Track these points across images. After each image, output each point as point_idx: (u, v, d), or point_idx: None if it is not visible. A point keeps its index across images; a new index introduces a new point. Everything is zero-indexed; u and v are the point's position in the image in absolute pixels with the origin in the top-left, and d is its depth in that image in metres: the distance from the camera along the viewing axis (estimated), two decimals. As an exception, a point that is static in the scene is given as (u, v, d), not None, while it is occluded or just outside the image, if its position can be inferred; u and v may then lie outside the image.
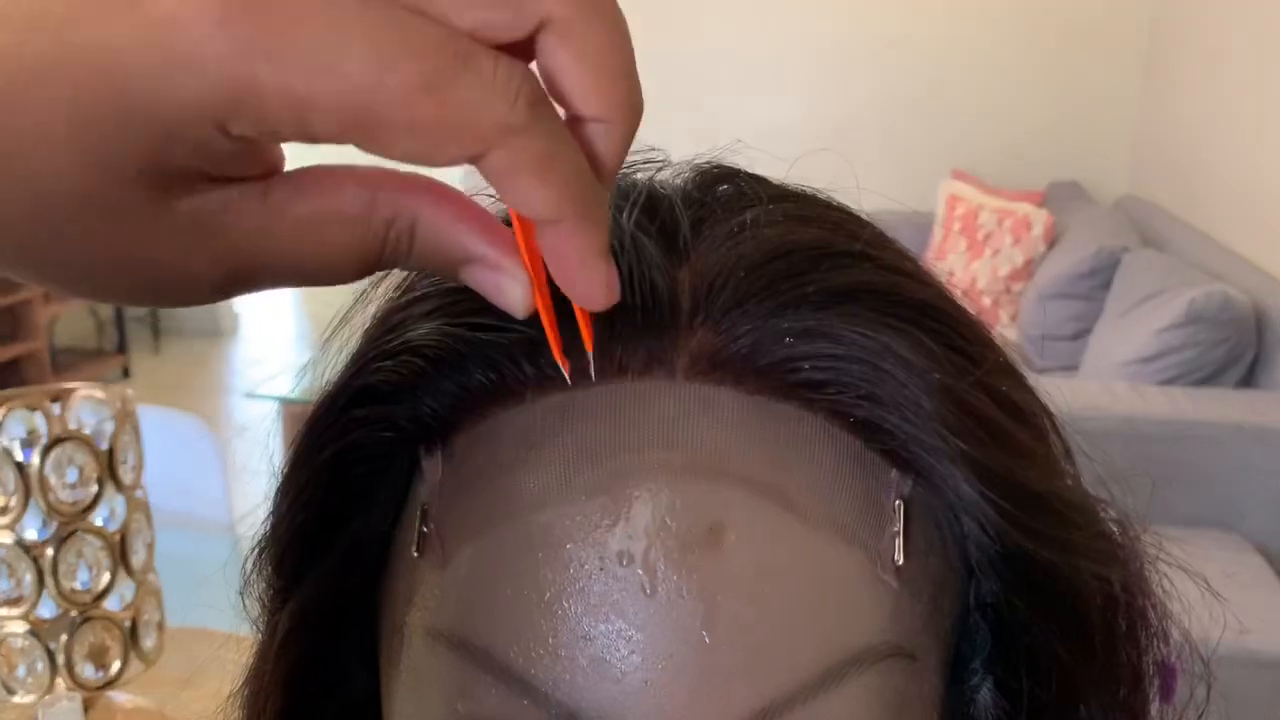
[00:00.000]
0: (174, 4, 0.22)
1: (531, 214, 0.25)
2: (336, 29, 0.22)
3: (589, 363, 0.30)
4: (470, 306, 0.32)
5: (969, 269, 3.57)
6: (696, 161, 0.38)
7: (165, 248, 0.25)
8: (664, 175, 0.37)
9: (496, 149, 0.23)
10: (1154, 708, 0.37)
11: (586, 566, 0.29)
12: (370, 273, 0.27)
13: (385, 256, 0.27)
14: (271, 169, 0.26)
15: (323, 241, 0.26)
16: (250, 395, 3.29)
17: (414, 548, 0.32)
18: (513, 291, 0.27)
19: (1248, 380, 2.45)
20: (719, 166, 0.37)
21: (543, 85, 0.25)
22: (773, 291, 0.31)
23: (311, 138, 0.23)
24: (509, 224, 0.28)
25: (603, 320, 0.31)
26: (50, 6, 0.23)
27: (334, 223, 0.26)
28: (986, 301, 3.51)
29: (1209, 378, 2.41)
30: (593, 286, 0.26)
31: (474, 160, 0.24)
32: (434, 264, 0.27)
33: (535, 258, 0.27)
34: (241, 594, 0.37)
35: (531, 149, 0.24)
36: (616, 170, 0.27)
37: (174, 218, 0.25)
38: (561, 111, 0.26)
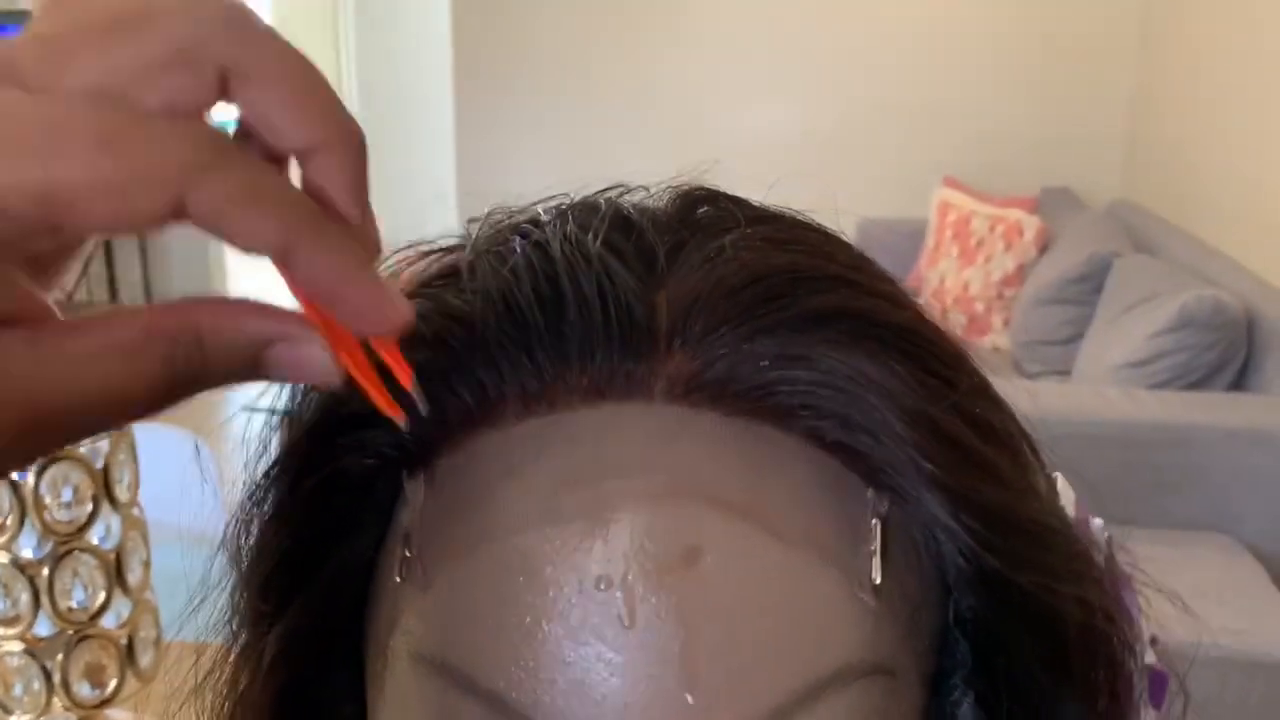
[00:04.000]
0: None
1: (261, 245, 0.25)
2: (9, 122, 0.23)
3: (416, 404, 0.29)
4: (449, 332, 0.32)
5: (961, 275, 3.58)
6: (678, 181, 0.38)
7: None
8: (646, 195, 0.38)
9: (192, 190, 0.24)
10: (1146, 715, 0.38)
11: (566, 590, 0.29)
12: (171, 397, 0.26)
13: (181, 376, 0.26)
14: (38, 316, 0.26)
15: (107, 375, 0.25)
16: (247, 408, 3.29)
17: (397, 572, 0.33)
18: (317, 356, 0.27)
19: (1238, 384, 2.46)
20: (701, 188, 0.38)
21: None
22: (749, 316, 0.31)
23: (16, 224, 0.24)
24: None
25: (581, 344, 0.31)
26: None
27: (111, 356, 0.25)
28: (979, 308, 3.51)
29: (1200, 381, 2.42)
30: (365, 303, 0.26)
31: (177, 212, 0.24)
32: (235, 365, 0.27)
33: (334, 329, 0.27)
34: (230, 623, 0.37)
35: (231, 181, 0.24)
36: (361, 197, 0.26)
37: None
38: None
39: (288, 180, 0.26)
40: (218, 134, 0.25)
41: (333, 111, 0.26)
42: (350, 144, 0.26)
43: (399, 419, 0.29)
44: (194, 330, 0.26)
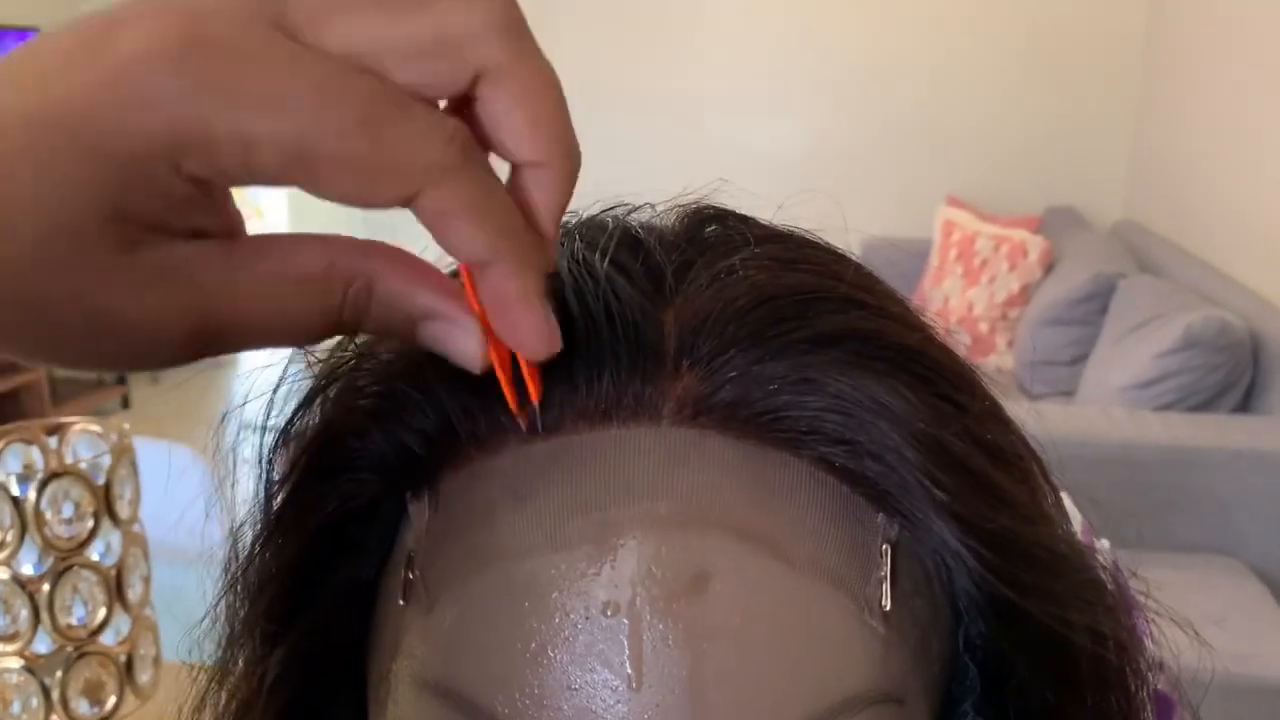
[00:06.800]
0: (131, 48, 0.24)
1: (467, 255, 0.26)
2: (281, 72, 0.24)
3: (535, 417, 0.30)
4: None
5: (965, 296, 3.58)
6: (686, 200, 0.38)
7: (132, 300, 0.25)
8: (653, 214, 0.37)
9: (430, 189, 0.25)
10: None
11: (572, 616, 0.29)
12: (331, 334, 0.28)
13: (345, 316, 0.27)
14: (232, 230, 0.27)
15: (285, 300, 0.27)
16: (251, 427, 3.29)
17: (400, 594, 0.32)
18: (468, 344, 0.28)
19: (1244, 405, 2.45)
20: (709, 207, 0.37)
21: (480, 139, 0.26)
22: (758, 338, 0.31)
23: (257, 175, 0.24)
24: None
25: (589, 365, 0.31)
26: (31, 64, 0.25)
27: (295, 282, 0.27)
28: (983, 328, 3.51)
29: (1206, 403, 2.41)
30: (531, 329, 0.27)
31: (409, 201, 0.25)
32: (392, 322, 0.28)
33: (485, 320, 0.28)
34: (232, 643, 0.37)
35: (464, 190, 0.25)
36: (558, 218, 0.28)
37: (141, 270, 0.25)
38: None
39: (508, 197, 0.27)
40: (468, 135, 0.26)
41: (567, 136, 0.27)
42: (569, 169, 0.27)
43: (523, 422, 0.30)
44: (369, 278, 0.27)
